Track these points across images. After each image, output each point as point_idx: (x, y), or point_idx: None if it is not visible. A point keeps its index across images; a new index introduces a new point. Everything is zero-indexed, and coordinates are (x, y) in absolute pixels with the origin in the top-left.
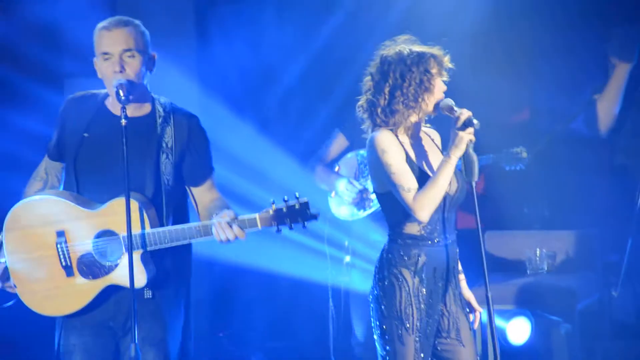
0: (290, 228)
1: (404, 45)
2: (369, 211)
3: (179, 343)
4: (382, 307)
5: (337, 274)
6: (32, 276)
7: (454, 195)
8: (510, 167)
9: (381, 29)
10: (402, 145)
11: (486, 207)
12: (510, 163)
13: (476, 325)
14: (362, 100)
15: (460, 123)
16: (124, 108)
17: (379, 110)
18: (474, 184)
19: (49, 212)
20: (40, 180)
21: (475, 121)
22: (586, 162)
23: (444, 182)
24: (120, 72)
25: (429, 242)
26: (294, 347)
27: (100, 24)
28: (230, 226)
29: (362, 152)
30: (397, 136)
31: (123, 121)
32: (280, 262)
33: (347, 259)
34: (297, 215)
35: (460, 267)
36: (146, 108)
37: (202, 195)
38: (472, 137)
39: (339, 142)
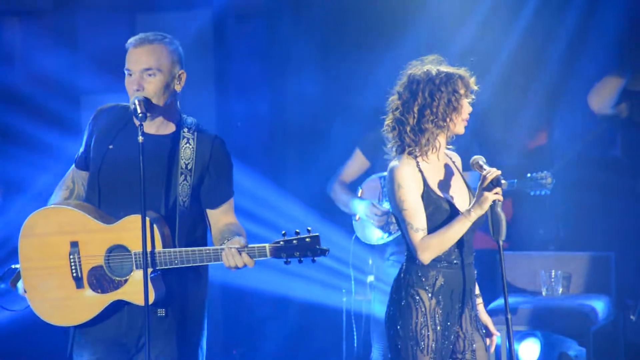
0: (300, 261)
1: (432, 65)
2: (395, 235)
3: None
4: (398, 327)
5: (358, 294)
6: (43, 284)
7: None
8: (535, 192)
9: (401, 50)
10: (422, 173)
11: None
12: (535, 188)
13: (492, 349)
14: (388, 120)
15: (486, 182)
16: (141, 125)
17: (408, 129)
18: (501, 243)
19: (65, 222)
20: (67, 189)
21: (503, 181)
22: (604, 184)
23: (455, 236)
24: (138, 90)
25: (447, 263)
26: None
27: (130, 40)
28: (240, 253)
29: (384, 174)
30: (422, 158)
31: (140, 138)
32: (295, 281)
33: (371, 278)
34: (307, 249)
35: (477, 291)
36: (171, 127)
37: (217, 218)
38: (500, 197)
39: (359, 161)
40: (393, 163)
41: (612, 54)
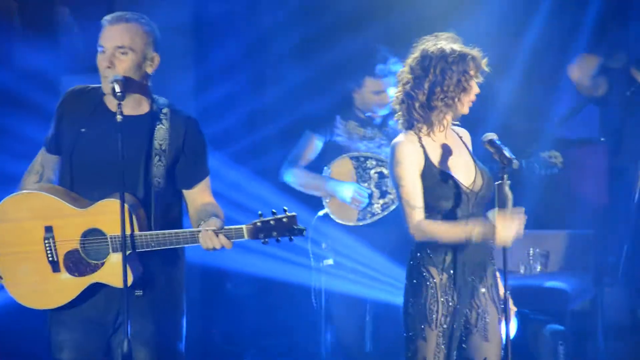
0: (277, 241)
1: (446, 42)
2: (377, 216)
3: (170, 342)
4: (409, 304)
5: (318, 275)
6: (18, 269)
7: (479, 192)
8: (546, 171)
9: (377, 34)
10: (424, 149)
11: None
12: (545, 167)
13: (511, 324)
14: (398, 92)
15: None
16: (119, 104)
17: (417, 104)
18: None
19: (38, 207)
20: (36, 174)
21: (515, 161)
22: (583, 164)
23: (449, 241)
24: (109, 67)
25: None
26: (286, 344)
27: (105, 17)
28: (217, 235)
29: (358, 155)
30: (428, 135)
31: (119, 117)
32: (272, 263)
33: (329, 261)
34: (285, 228)
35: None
36: (143, 108)
37: (193, 198)
38: (508, 245)
39: (313, 143)
40: (396, 139)
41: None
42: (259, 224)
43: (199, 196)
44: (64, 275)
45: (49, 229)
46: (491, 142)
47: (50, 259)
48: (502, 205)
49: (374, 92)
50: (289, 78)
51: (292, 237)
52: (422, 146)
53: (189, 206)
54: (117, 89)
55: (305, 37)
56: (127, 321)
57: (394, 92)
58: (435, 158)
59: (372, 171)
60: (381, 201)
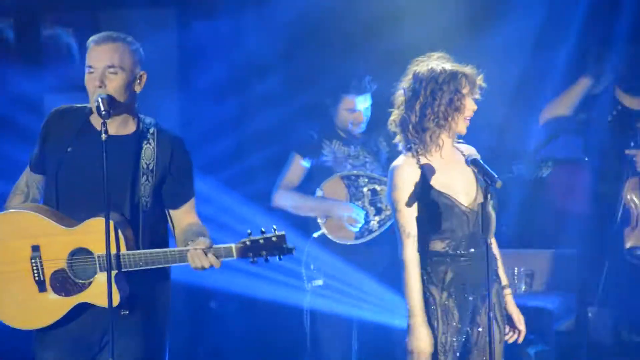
0: (266, 260)
1: (437, 62)
2: (375, 233)
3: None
4: (410, 322)
5: (309, 295)
6: (4, 288)
7: (476, 210)
8: (535, 174)
9: (364, 52)
10: (423, 170)
11: None
12: (535, 170)
13: (514, 339)
14: (394, 115)
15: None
16: (104, 122)
17: (411, 126)
18: (489, 241)
19: (25, 226)
20: (21, 194)
21: (499, 182)
22: (568, 183)
23: (407, 287)
24: (100, 87)
25: (456, 257)
26: None
27: (92, 38)
28: (206, 254)
29: (347, 173)
30: (425, 156)
31: (103, 135)
32: (256, 281)
33: (319, 282)
34: (274, 247)
35: (505, 282)
36: (130, 127)
37: (179, 218)
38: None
39: (299, 166)
40: (395, 162)
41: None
42: (248, 242)
43: (185, 216)
44: (51, 295)
45: (35, 248)
46: (474, 161)
47: (37, 278)
48: (486, 224)
49: (349, 110)
50: (273, 100)
51: (281, 257)
52: (420, 167)
53: (175, 226)
54: (102, 107)
55: (289, 59)
56: (112, 340)
57: (367, 111)
58: (433, 179)
59: (365, 189)
60: (377, 218)
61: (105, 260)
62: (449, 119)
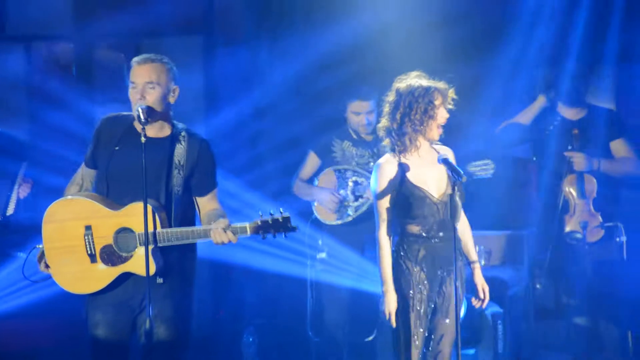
0: (274, 237)
1: (415, 79)
2: (351, 217)
3: (184, 320)
4: (396, 288)
5: (313, 267)
6: (63, 261)
7: (446, 201)
8: (480, 177)
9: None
10: (402, 167)
11: None
12: (480, 174)
13: (479, 306)
14: (382, 123)
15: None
16: (143, 128)
17: (393, 132)
18: (457, 226)
19: (79, 210)
20: (77, 185)
21: (464, 178)
22: (520, 179)
23: (380, 264)
24: (140, 99)
25: (428, 238)
26: (279, 323)
27: (134, 59)
28: (225, 232)
29: (339, 167)
30: (404, 155)
31: (143, 139)
32: (268, 256)
33: (323, 255)
34: (280, 227)
35: (475, 257)
36: (165, 131)
37: (204, 204)
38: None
39: (313, 161)
40: (380, 160)
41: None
42: (259, 222)
43: (208, 203)
44: (100, 265)
45: (88, 228)
46: (444, 160)
47: (89, 252)
48: (454, 211)
49: (354, 112)
50: (287, 107)
51: (286, 234)
52: (400, 165)
53: (201, 211)
54: (142, 116)
55: (301, 70)
56: (149, 305)
57: (370, 115)
58: (410, 174)
59: (350, 180)
60: (355, 204)
61: (144, 237)
62: (424, 125)
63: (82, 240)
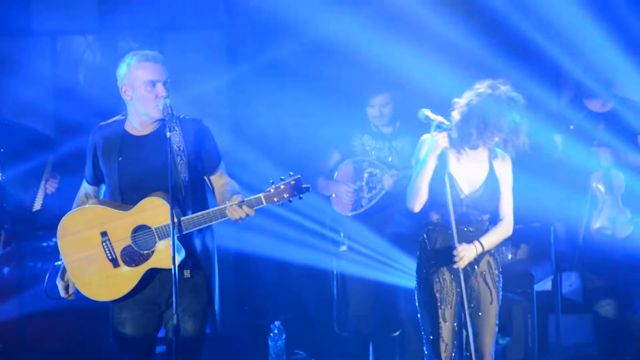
0: (289, 201)
1: (507, 105)
2: (364, 208)
3: (211, 314)
4: (417, 280)
5: (335, 260)
6: (85, 271)
7: (475, 199)
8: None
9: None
10: (445, 154)
11: None
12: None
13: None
14: (453, 113)
15: (432, 127)
16: (169, 121)
17: (455, 127)
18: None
19: (92, 218)
20: (82, 205)
21: (446, 122)
22: (550, 175)
23: (416, 178)
24: (167, 97)
25: (445, 229)
26: (305, 318)
27: (142, 57)
28: (241, 207)
29: (356, 159)
30: (461, 147)
31: (168, 133)
32: (293, 251)
33: (344, 248)
34: (293, 189)
35: (483, 238)
36: (157, 123)
37: (216, 181)
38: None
39: (334, 157)
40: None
41: None
42: (272, 190)
43: (219, 179)
44: (124, 268)
45: (104, 234)
46: (427, 117)
47: (110, 257)
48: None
49: (370, 106)
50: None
51: (301, 196)
52: (444, 152)
53: (215, 189)
54: (172, 112)
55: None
56: (175, 300)
57: (382, 107)
58: (452, 162)
59: (365, 172)
60: (368, 195)
61: (164, 230)
62: (490, 140)
63: (100, 248)
